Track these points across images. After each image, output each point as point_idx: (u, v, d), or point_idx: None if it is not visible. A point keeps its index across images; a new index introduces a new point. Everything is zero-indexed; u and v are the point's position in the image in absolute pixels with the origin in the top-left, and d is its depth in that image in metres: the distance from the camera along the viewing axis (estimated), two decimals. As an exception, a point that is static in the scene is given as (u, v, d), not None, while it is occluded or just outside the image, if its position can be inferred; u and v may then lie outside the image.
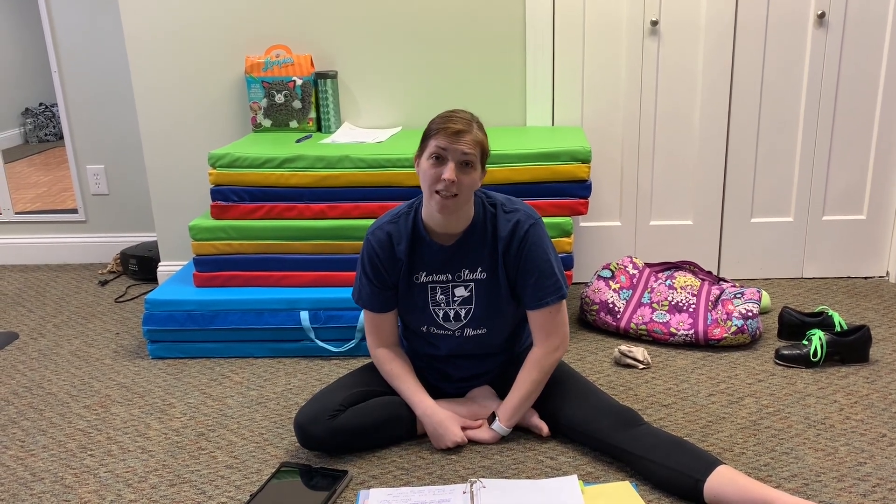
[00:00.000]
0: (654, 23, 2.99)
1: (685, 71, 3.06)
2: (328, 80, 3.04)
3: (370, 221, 2.58)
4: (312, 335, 2.64)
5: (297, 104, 3.07)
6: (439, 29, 3.06)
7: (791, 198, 3.19)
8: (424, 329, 2.09)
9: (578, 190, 2.65)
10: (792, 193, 3.19)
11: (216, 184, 2.74)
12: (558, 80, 3.09)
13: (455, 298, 2.03)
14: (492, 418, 2.06)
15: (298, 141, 2.92)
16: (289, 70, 3.04)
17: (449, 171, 1.82)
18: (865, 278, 3.26)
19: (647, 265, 2.93)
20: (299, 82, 3.04)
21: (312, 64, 3.08)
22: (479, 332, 2.07)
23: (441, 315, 2.05)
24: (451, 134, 1.83)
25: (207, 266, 2.76)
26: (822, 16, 2.94)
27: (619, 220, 3.26)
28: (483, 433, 2.06)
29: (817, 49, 3.00)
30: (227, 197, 2.73)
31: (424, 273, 2.02)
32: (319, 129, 3.12)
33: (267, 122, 3.11)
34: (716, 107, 3.09)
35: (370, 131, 3.07)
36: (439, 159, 1.84)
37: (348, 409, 2.01)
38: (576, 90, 3.09)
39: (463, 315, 2.04)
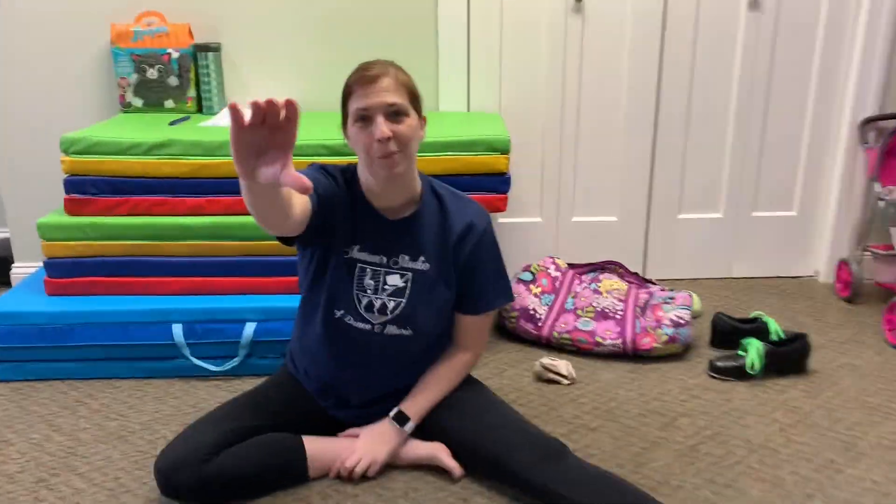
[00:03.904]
0: (579, 0, 2.71)
1: (611, 55, 2.80)
2: (210, 54, 2.64)
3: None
4: (187, 352, 2.25)
5: (172, 80, 2.66)
6: (344, 9, 2.70)
7: (720, 193, 2.99)
8: (338, 315, 1.72)
9: (496, 184, 2.35)
10: (721, 188, 2.98)
11: (71, 173, 2.31)
12: (474, 60, 2.78)
13: (386, 287, 1.71)
14: (400, 418, 1.77)
15: (173, 123, 2.51)
16: (163, 41, 2.62)
17: (380, 128, 1.53)
18: (795, 278, 3.09)
19: (570, 266, 2.66)
20: (175, 55, 2.63)
21: (191, 34, 2.66)
22: (402, 332, 1.74)
23: (364, 303, 1.72)
24: (367, 83, 1.55)
25: (62, 271, 2.33)
26: (755, -2, 2.73)
27: (539, 216, 2.98)
28: (386, 442, 1.78)
29: (750, 35, 2.79)
30: (84, 189, 2.30)
31: (357, 248, 1.70)
32: (200, 110, 2.72)
33: (138, 101, 2.68)
34: (643, 95, 2.84)
35: (259, 114, 2.68)
36: (365, 120, 1.56)
37: (222, 451, 1.65)
38: (493, 72, 2.79)
39: (391, 309, 1.72)
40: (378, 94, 1.53)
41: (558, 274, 2.60)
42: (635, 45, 2.79)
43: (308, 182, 1.10)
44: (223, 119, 2.56)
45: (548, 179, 2.93)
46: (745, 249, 3.05)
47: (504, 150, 2.34)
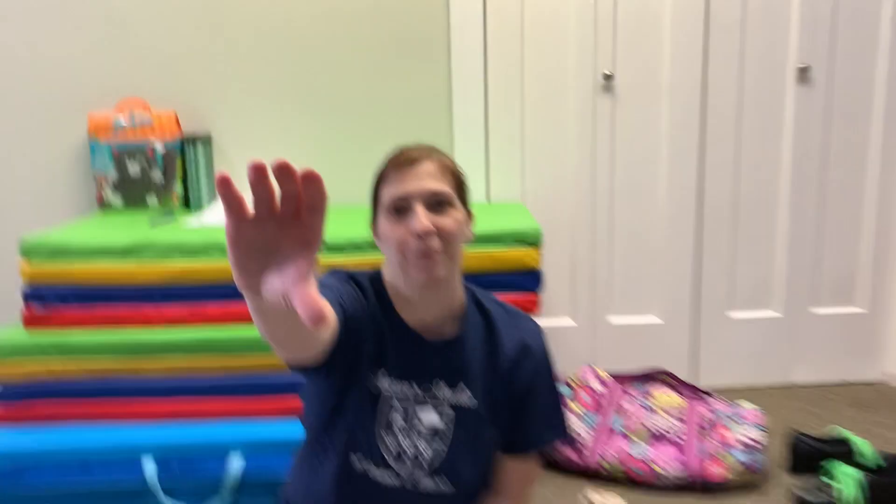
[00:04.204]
0: (608, 77, 2.45)
1: (646, 135, 2.52)
2: (199, 146, 2.35)
3: (248, 331, 1.89)
4: (161, 495, 1.85)
5: (157, 176, 2.36)
6: (344, 82, 2.44)
7: (775, 288, 2.64)
8: (357, 464, 1.30)
9: (526, 282, 2.01)
10: (776, 282, 2.63)
11: (32, 281, 1.98)
12: (493, 146, 2.50)
13: (420, 428, 1.28)
14: None
15: (155, 223, 2.20)
16: (147, 132, 2.34)
17: (419, 219, 1.18)
18: (868, 384, 2.70)
19: (615, 378, 2.28)
20: (160, 148, 2.34)
21: (178, 124, 2.39)
22: (441, 488, 1.31)
23: (392, 448, 1.28)
24: (405, 165, 1.22)
25: (15, 395, 1.96)
26: (804, 70, 2.46)
27: (571, 319, 2.62)
28: None
29: (801, 110, 2.51)
30: (47, 299, 1.96)
31: (384, 374, 1.27)
32: (187, 205, 2.41)
33: (117, 200, 2.38)
34: (684, 179, 2.54)
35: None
36: (400, 212, 1.22)
37: None
38: (514, 159, 2.50)
39: (427, 457, 1.29)
40: (418, 179, 1.21)
41: (601, 387, 2.22)
42: (673, 125, 2.50)
43: (321, 311, 0.65)
44: (212, 215, 2.25)
45: (580, 276, 2.59)
46: (807, 351, 2.68)
47: (534, 242, 2.01)
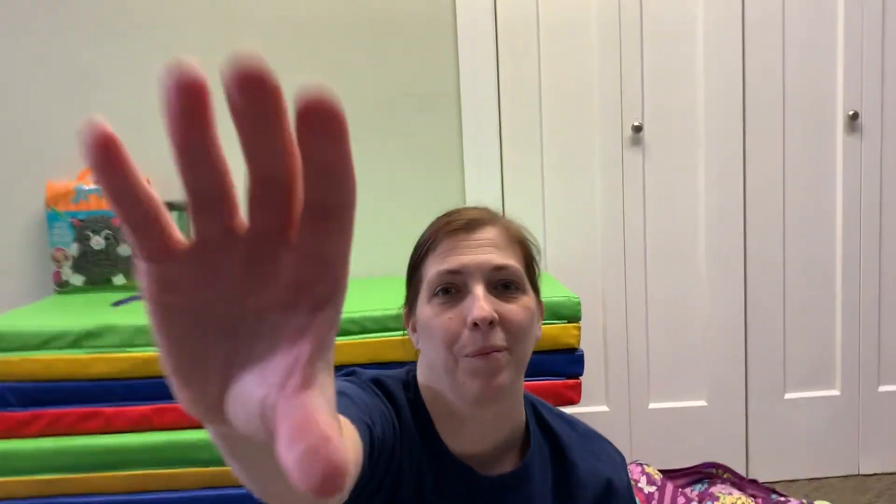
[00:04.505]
0: (638, 129, 2.18)
1: (682, 192, 2.23)
2: (174, 214, 2.04)
3: None
4: None
5: (123, 250, 2.04)
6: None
7: (835, 363, 2.31)
8: None
9: (565, 364, 1.68)
10: (836, 357, 2.31)
11: (-36, 379, 1.63)
12: (510, 208, 2.20)
13: None
14: None
15: (117, 304, 1.87)
16: (113, 200, 2.03)
17: (478, 303, 0.86)
18: (948, 472, 2.35)
19: (666, 476, 1.92)
20: (128, 217, 2.03)
21: (150, 191, 2.08)
22: None
23: None
24: (462, 231, 0.91)
25: (-62, 524, 1.58)
26: (854, 117, 2.20)
27: (605, 405, 2.28)
28: None
29: (851, 160, 2.24)
30: (-19, 401, 1.61)
31: None
32: (159, 286, 2.08)
33: (77, 279, 2.04)
34: (726, 240, 2.25)
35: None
36: (450, 294, 0.89)
37: None
38: (535, 223, 2.20)
39: None
40: (478, 250, 0.89)
41: (652, 489, 1.86)
42: (711, 180, 2.23)
43: (340, 467, 0.28)
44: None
45: (613, 356, 2.26)
46: (874, 436, 2.33)
47: (574, 317, 1.69)
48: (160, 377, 1.54)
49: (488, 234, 0.90)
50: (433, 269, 0.89)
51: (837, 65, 2.21)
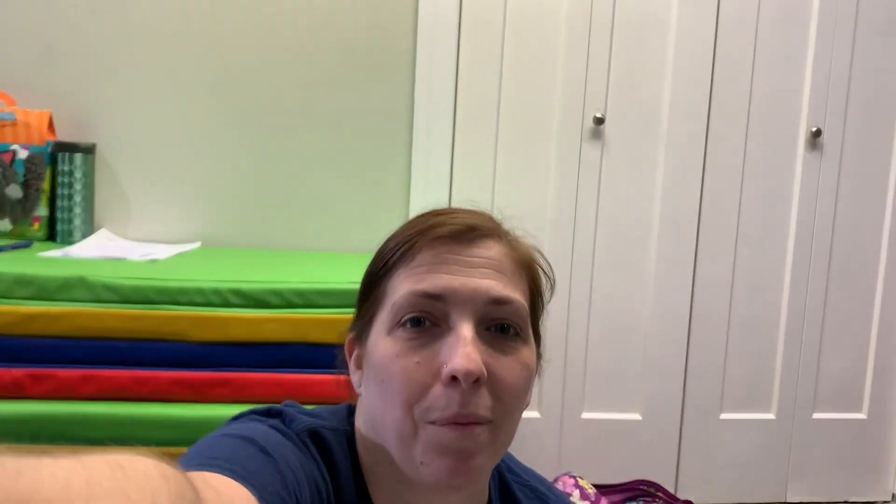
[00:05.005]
0: (600, 121, 2.05)
1: (639, 193, 2.12)
2: (76, 157, 1.79)
3: (123, 408, 1.33)
4: None
5: (14, 191, 1.77)
6: (282, 94, 1.94)
7: (773, 386, 2.24)
8: None
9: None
10: (774, 380, 2.24)
11: None
12: (457, 192, 2.04)
13: None
14: None
15: (0, 249, 1.61)
16: (7, 133, 1.76)
17: (462, 349, 0.61)
18: (872, 505, 2.30)
19: (600, 491, 1.79)
20: (23, 154, 1.76)
21: (51, 127, 1.82)
22: None
23: None
24: (452, 239, 0.66)
25: None
26: (816, 134, 2.13)
27: (537, 410, 2.13)
28: None
29: (809, 178, 2.17)
30: None
31: None
32: (52, 237, 1.82)
33: (-46, 219, 1.76)
34: (678, 250, 2.14)
35: (142, 245, 1.81)
36: (423, 327, 0.64)
37: None
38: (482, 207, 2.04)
39: None
40: (475, 272, 0.65)
41: (586, 503, 1.72)
42: (670, 182, 2.12)
43: None
44: (85, 248, 1.67)
45: (550, 359, 2.11)
46: (805, 464, 2.26)
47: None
48: (41, 337, 1.31)
49: (489, 250, 0.66)
50: (403, 287, 0.64)
51: (805, 80, 2.14)
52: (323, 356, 1.48)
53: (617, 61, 2.06)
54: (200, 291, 1.42)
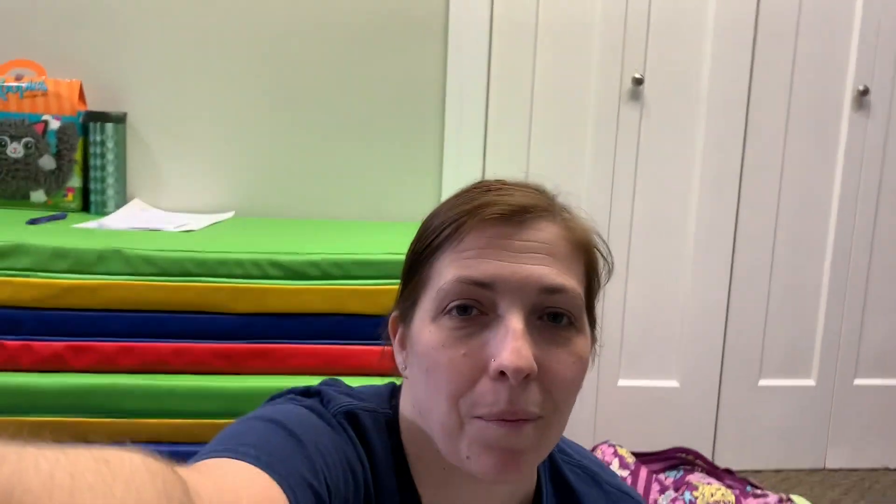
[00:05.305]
0: (639, 81, 1.99)
1: (678, 155, 2.06)
2: (108, 127, 1.77)
3: (163, 380, 1.33)
4: None
5: (47, 162, 1.76)
6: (312, 66, 1.90)
7: (814, 352, 2.20)
8: None
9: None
10: (815, 346, 2.19)
11: None
12: (491, 155, 1.99)
13: None
14: None
15: (34, 222, 1.60)
16: (38, 104, 1.75)
17: (514, 343, 0.57)
18: (913, 473, 2.27)
19: (640, 460, 1.77)
20: (55, 125, 1.75)
21: (82, 97, 1.80)
22: None
23: None
24: (504, 221, 0.61)
25: None
26: (864, 93, 2.06)
27: (573, 379, 2.11)
28: None
29: (855, 139, 2.10)
30: None
31: None
32: (86, 208, 1.81)
33: (-12, 191, 1.76)
34: (719, 214, 2.09)
35: (176, 215, 1.80)
36: (470, 316, 0.60)
37: None
38: (516, 174, 2.00)
39: None
40: (527, 257, 0.61)
41: (625, 473, 1.71)
42: (710, 145, 2.06)
43: None
44: (119, 220, 1.66)
45: (603, 346, 2.09)
46: (845, 430, 2.23)
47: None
48: (79, 309, 1.31)
49: (542, 232, 0.61)
50: (449, 272, 0.60)
51: (852, 38, 2.06)
52: (361, 327, 1.47)
53: (656, 19, 1.99)
54: (239, 263, 1.41)
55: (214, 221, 1.74)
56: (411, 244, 0.67)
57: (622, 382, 2.13)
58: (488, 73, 1.96)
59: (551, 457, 0.73)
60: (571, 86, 2.00)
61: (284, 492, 0.48)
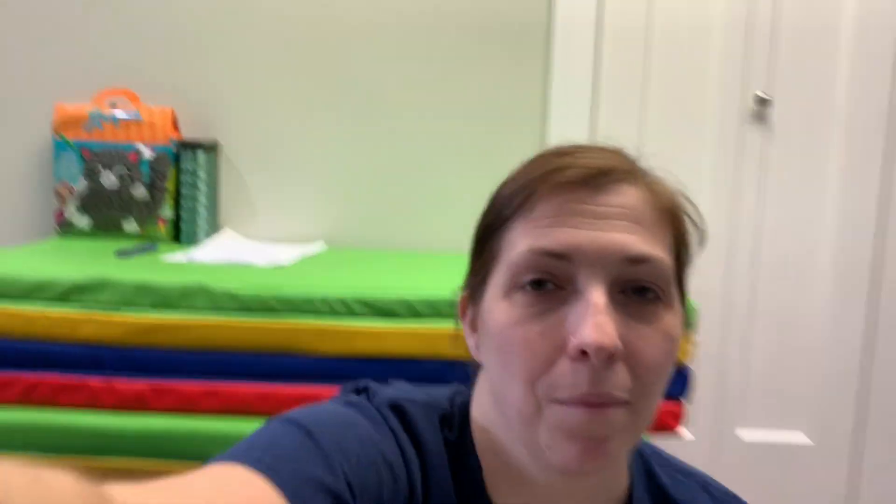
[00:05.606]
0: (763, 101, 1.80)
1: (810, 184, 1.86)
2: (201, 155, 1.73)
3: (246, 425, 1.26)
4: None
5: (139, 191, 1.73)
6: (407, 87, 1.81)
7: (971, 406, 1.92)
8: None
9: (672, 383, 1.32)
10: (973, 399, 1.92)
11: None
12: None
13: None
14: None
15: (123, 254, 1.56)
16: (132, 132, 1.72)
17: (595, 318, 0.51)
18: None
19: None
20: (148, 154, 1.72)
21: (175, 125, 1.77)
22: None
23: None
24: (581, 186, 0.55)
25: None
26: None
27: (687, 429, 1.91)
28: None
29: None
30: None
31: None
32: (177, 237, 1.77)
33: (82, 221, 1.74)
34: (856, 251, 1.86)
35: (266, 246, 1.73)
36: (546, 291, 0.54)
37: None
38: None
39: None
40: (607, 224, 0.54)
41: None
42: (846, 171, 1.84)
43: None
44: (208, 252, 1.60)
45: (703, 374, 1.90)
46: None
47: (687, 323, 1.33)
48: (163, 348, 1.24)
49: (623, 196, 0.55)
50: (522, 243, 0.55)
51: None
52: (455, 373, 1.35)
53: (785, 28, 1.80)
54: (325, 301, 1.31)
55: (305, 254, 1.66)
56: (480, 216, 0.62)
57: (743, 435, 1.92)
58: (593, 88, 1.81)
59: (646, 463, 0.66)
60: (687, 104, 1.83)
61: (285, 495, 0.45)
